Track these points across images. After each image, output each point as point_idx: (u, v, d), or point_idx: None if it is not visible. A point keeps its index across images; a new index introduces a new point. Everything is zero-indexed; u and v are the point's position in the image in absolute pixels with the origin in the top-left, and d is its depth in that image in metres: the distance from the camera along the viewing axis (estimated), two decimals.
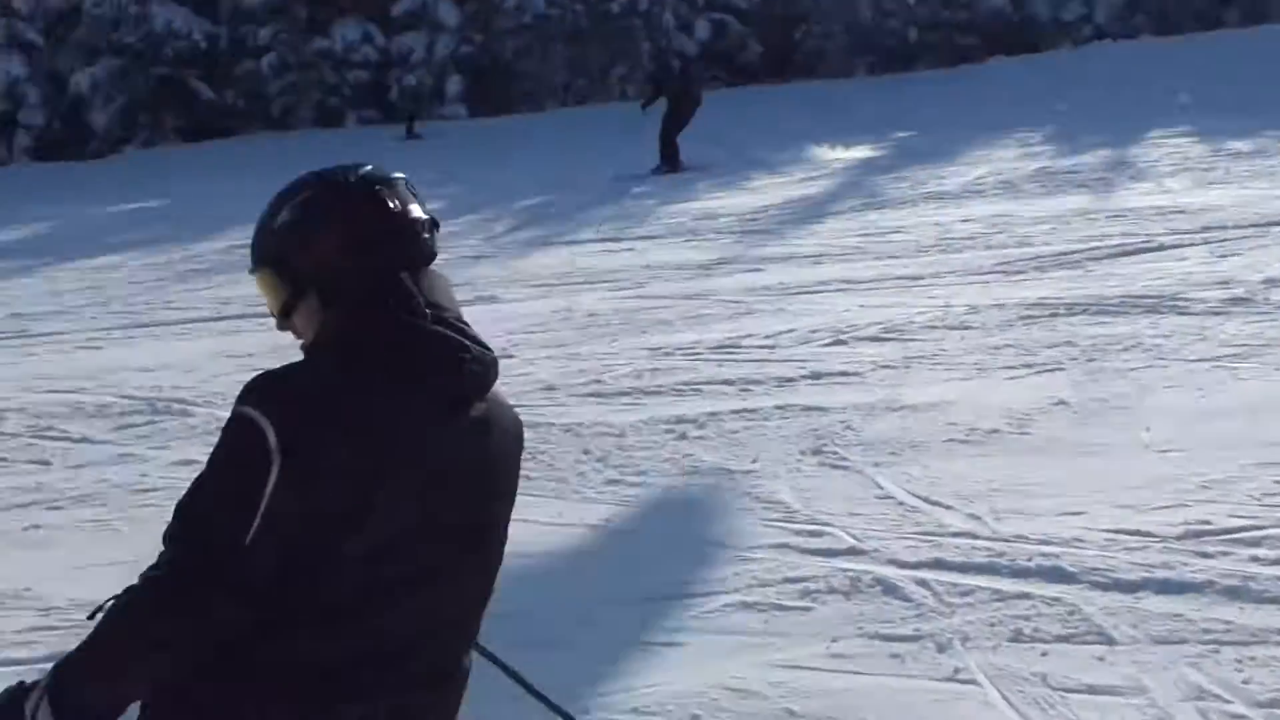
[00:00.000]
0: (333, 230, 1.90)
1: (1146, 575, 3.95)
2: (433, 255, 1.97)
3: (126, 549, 4.39)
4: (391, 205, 1.92)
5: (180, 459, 5.80)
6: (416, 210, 1.95)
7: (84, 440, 6.33)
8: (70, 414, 6.78)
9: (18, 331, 9.58)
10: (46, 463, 5.98)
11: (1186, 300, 7.53)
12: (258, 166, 18.89)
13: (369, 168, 2.00)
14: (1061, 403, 5.86)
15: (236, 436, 1.77)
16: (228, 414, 1.75)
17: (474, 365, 1.89)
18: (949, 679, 3.46)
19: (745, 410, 6.10)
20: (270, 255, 1.96)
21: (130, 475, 5.68)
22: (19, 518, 5.19)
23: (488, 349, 1.94)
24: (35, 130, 28.83)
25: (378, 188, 1.93)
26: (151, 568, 1.76)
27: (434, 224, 1.98)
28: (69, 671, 1.78)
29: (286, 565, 1.74)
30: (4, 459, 6.15)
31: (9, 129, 28.94)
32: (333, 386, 1.81)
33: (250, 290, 2.97)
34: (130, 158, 27.59)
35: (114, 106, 29.06)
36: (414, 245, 1.93)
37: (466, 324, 1.93)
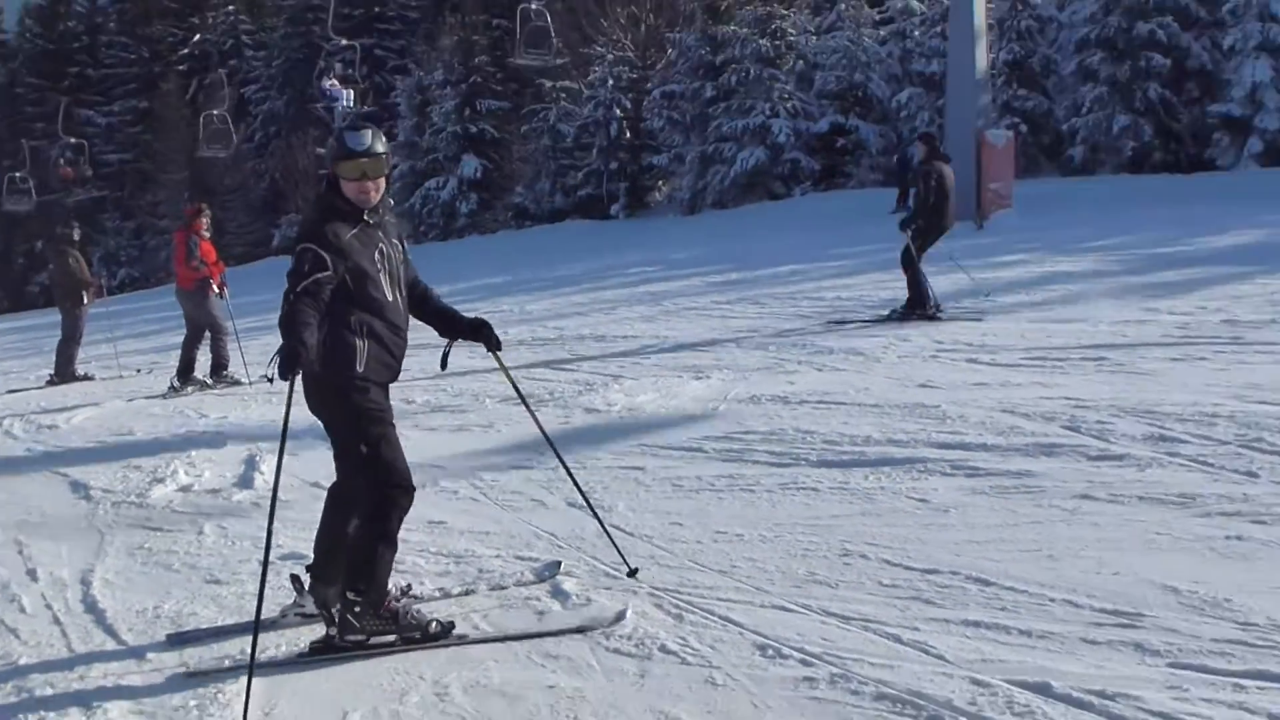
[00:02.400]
0: None
1: None
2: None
3: None
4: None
5: None
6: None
7: None
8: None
9: (1232, 338, 9.53)
10: (1254, 475, 5.85)
11: None
12: None
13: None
14: None
15: None
16: None
17: None
18: None
19: None
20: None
21: None
22: (1222, 526, 5.18)
23: None
24: (1269, 135, 27.23)
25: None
26: None
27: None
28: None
29: None
30: (1211, 464, 6.09)
31: (1242, 134, 27.61)
32: None
33: None
34: None
35: None
36: None
37: None
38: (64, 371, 14.44)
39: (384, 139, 4.77)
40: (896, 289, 14.61)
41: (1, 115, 64.08)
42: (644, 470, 7.11)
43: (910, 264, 12.27)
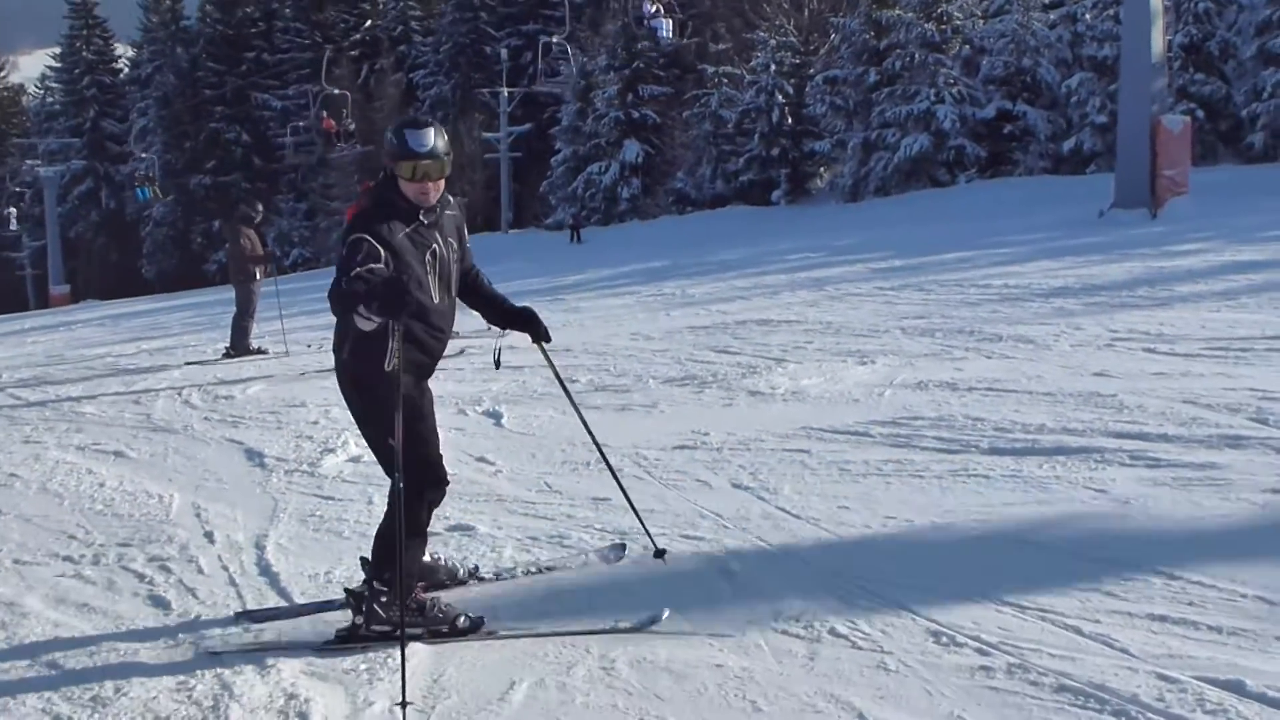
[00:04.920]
0: None
1: None
2: None
3: None
4: None
5: None
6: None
7: None
8: None
9: None
10: None
11: None
12: None
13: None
14: None
15: None
16: None
17: None
18: None
19: None
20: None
21: None
22: None
23: None
24: None
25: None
26: None
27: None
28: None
29: None
30: None
31: None
32: None
33: None
34: None
35: None
36: None
37: None
38: (239, 344, 14.89)
39: (445, 137, 4.63)
40: (1067, 277, 14.23)
41: (184, 98, 66.55)
42: (809, 454, 7.00)
43: None
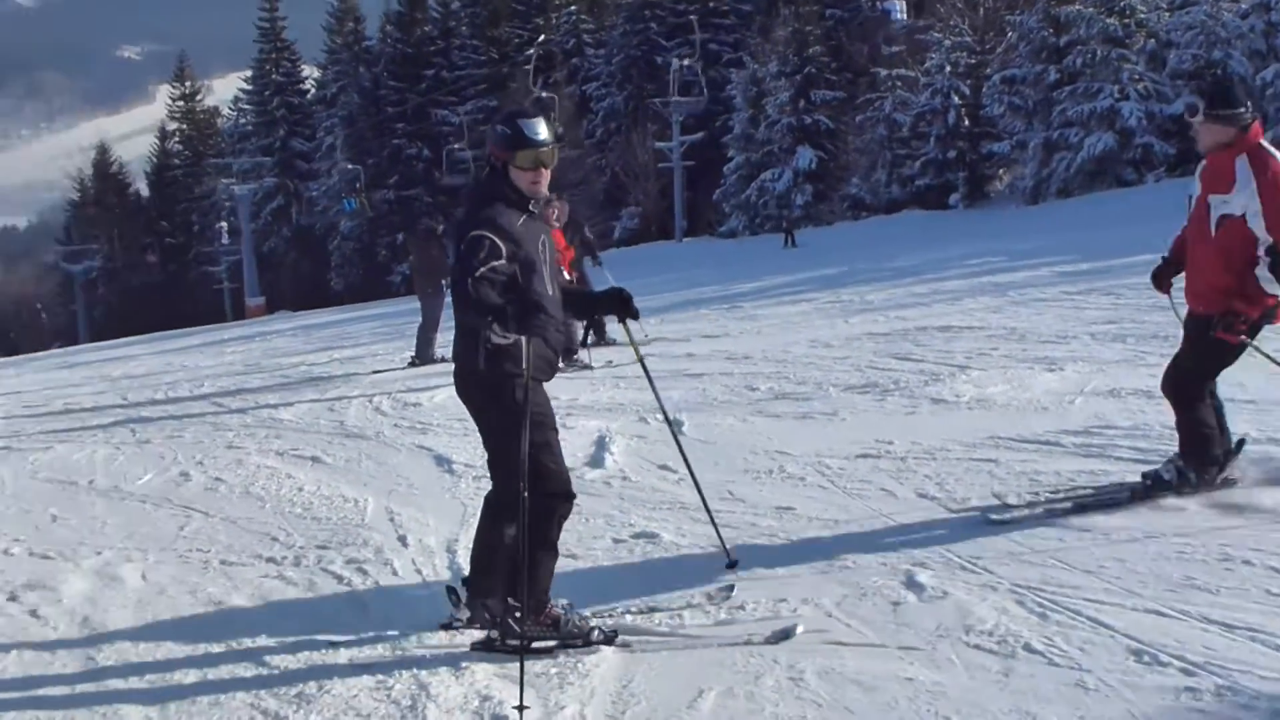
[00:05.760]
0: None
1: None
2: None
3: None
4: None
5: None
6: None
7: None
8: None
9: None
10: None
11: None
12: None
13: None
14: None
15: None
16: None
17: None
18: None
19: None
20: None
21: None
22: None
23: None
24: None
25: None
26: None
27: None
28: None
29: None
30: None
31: None
32: None
33: None
34: None
35: None
36: None
37: None
38: (424, 354, 15.27)
39: (551, 125, 4.69)
40: None
41: (367, 116, 68.63)
42: (997, 463, 6.86)
43: None
